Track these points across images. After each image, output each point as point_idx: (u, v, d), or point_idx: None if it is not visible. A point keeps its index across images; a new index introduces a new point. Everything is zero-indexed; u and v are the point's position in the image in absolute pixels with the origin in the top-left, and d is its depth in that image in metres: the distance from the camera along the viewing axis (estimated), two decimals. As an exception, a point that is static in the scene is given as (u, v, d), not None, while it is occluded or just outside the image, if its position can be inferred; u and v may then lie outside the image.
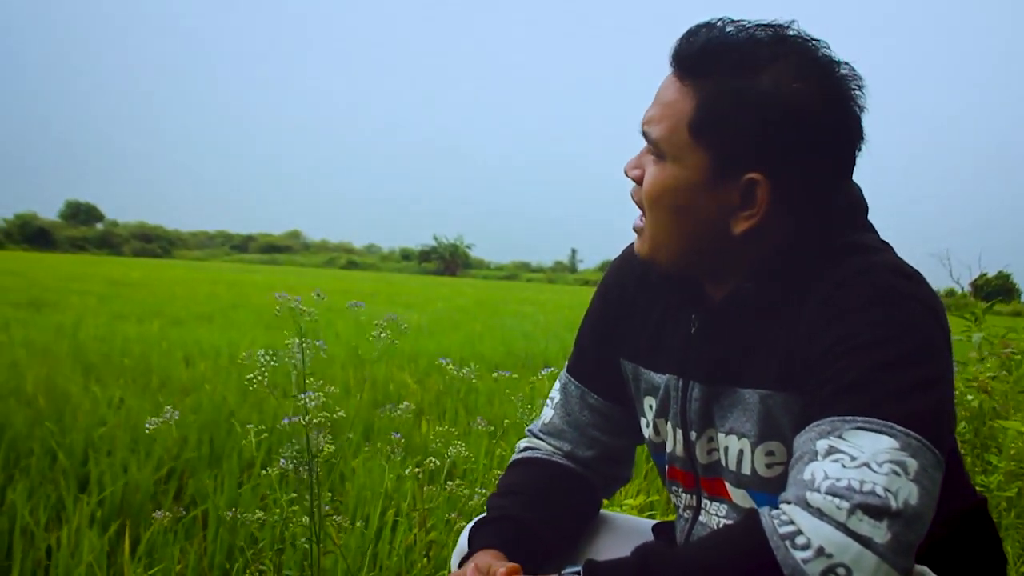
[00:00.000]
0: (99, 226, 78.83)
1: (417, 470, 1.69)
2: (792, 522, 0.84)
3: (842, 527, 0.81)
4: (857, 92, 1.01)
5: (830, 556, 0.81)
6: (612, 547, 1.27)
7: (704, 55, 1.00)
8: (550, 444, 1.30)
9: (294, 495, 1.61)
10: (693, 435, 1.15)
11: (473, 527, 1.21)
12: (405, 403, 1.64)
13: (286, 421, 1.47)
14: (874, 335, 0.93)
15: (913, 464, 0.84)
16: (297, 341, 1.48)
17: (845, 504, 0.82)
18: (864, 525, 0.81)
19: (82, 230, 73.98)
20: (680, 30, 1.04)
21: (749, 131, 0.98)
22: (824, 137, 0.98)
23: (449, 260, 75.59)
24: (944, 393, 0.93)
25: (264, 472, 1.63)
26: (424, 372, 5.56)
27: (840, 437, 0.87)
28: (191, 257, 71.91)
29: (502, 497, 1.24)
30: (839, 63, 1.01)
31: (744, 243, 1.03)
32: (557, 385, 1.34)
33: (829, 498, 0.83)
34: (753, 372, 1.05)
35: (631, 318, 1.24)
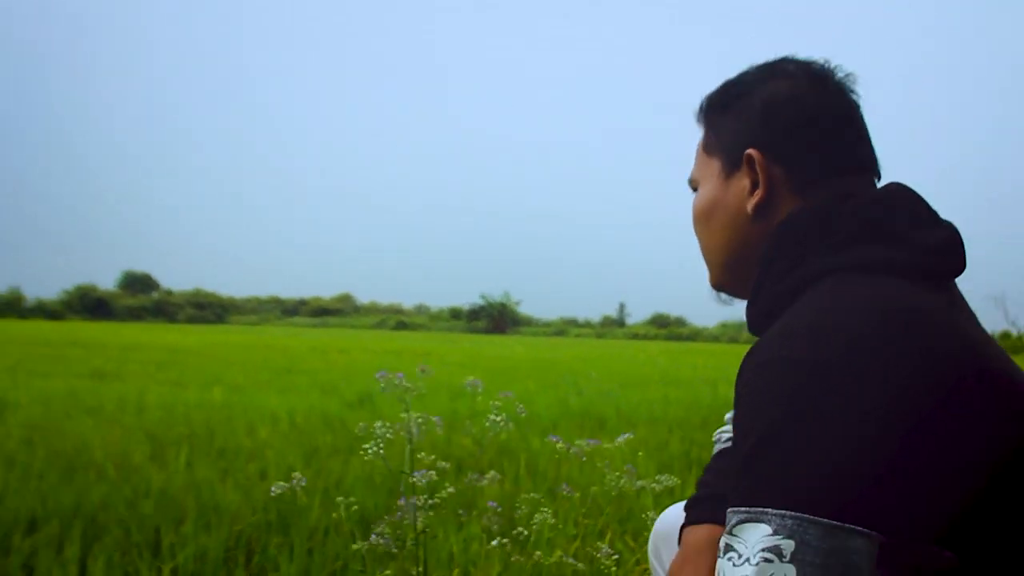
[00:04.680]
0: (154, 294, 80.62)
1: (505, 540, 1.68)
2: None
3: None
4: (845, 83, 1.08)
5: None
6: None
7: (710, 99, 1.15)
8: None
9: (388, 574, 1.61)
10: None
11: (687, 504, 1.23)
12: (492, 473, 1.63)
13: (402, 502, 1.48)
14: (748, 409, 0.87)
15: (789, 545, 0.79)
16: (411, 417, 1.50)
17: None
18: None
19: (139, 299, 75.73)
20: (710, 73, 1.15)
21: (741, 117, 1.08)
22: (810, 119, 1.05)
23: (498, 318, 75.69)
24: (834, 455, 0.81)
25: (355, 546, 1.63)
26: (481, 432, 5.55)
27: (731, 533, 0.83)
28: (244, 322, 73.03)
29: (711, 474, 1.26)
30: (833, 69, 1.09)
31: (758, 223, 1.07)
32: None
33: None
34: None
35: None
